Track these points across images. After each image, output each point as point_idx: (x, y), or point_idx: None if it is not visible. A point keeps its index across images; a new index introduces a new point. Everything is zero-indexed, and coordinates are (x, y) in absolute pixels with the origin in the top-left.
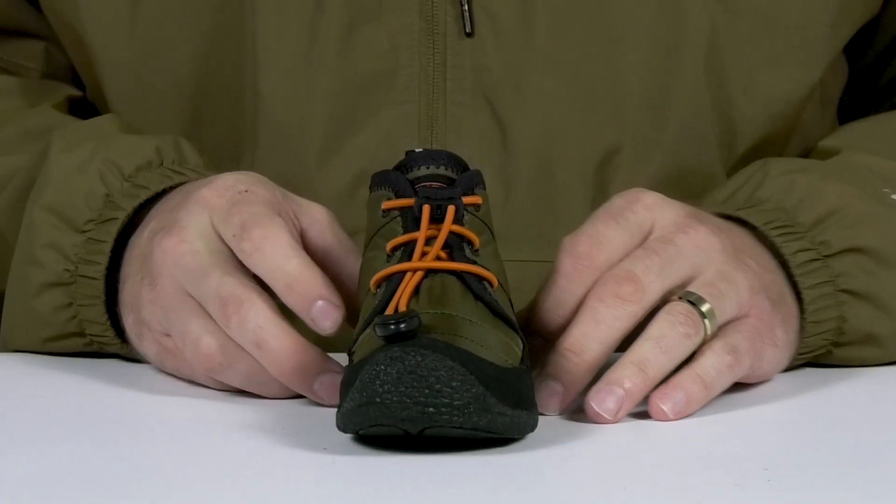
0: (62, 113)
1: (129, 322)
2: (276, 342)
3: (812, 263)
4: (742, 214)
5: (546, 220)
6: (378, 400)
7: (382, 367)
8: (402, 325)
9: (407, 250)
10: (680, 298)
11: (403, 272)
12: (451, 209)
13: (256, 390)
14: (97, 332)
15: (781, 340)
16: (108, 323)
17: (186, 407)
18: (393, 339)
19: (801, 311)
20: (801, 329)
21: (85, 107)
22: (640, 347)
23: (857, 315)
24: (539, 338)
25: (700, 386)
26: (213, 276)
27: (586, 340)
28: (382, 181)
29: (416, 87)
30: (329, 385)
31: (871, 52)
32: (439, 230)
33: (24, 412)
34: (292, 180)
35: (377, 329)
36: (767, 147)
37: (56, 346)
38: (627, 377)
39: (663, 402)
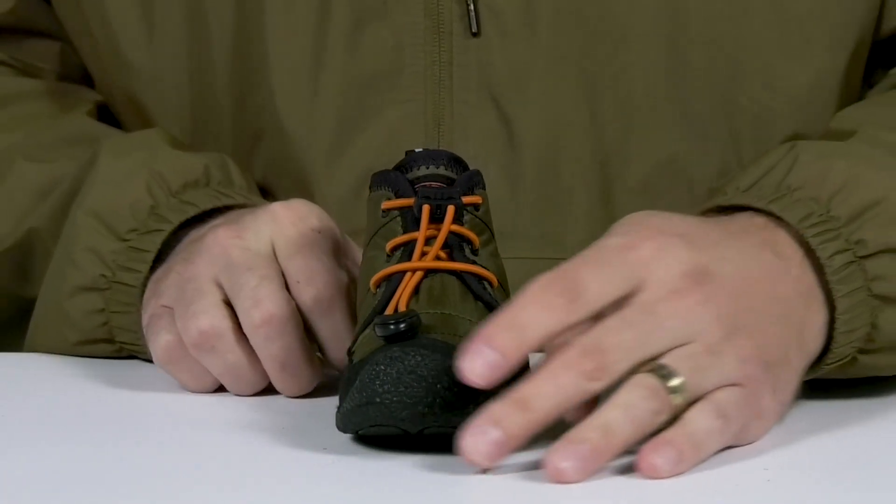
0: (94, 120)
1: (146, 293)
2: (303, 370)
3: (848, 267)
4: (774, 209)
5: (551, 218)
6: (378, 400)
7: (382, 367)
8: (402, 325)
9: (407, 250)
10: (651, 371)
11: (403, 272)
12: (450, 209)
13: (227, 383)
14: (127, 340)
15: (767, 410)
16: (141, 331)
17: (186, 407)
18: (393, 339)
19: (832, 319)
20: (831, 339)
21: (111, 113)
22: (608, 413)
23: (888, 321)
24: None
25: (692, 448)
26: (255, 275)
27: (542, 400)
28: (382, 181)
29: (421, 85)
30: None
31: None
32: (439, 230)
33: (24, 412)
34: (299, 179)
35: (377, 329)
36: (805, 139)
37: (84, 350)
38: (592, 439)
39: (656, 457)
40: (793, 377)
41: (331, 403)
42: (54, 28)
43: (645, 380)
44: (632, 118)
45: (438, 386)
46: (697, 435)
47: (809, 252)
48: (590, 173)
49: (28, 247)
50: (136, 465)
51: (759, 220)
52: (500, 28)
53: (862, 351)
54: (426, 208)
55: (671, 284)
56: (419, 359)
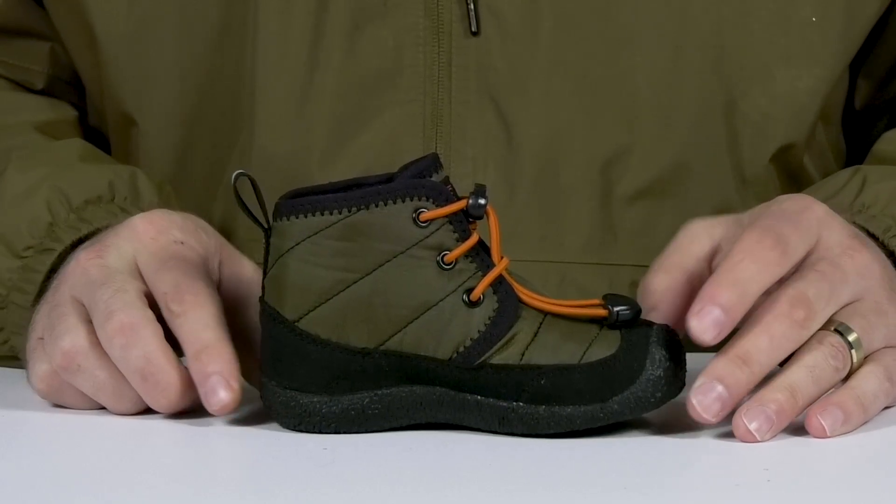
0: (37, 134)
1: (29, 328)
2: (164, 377)
3: None
4: (859, 220)
5: (550, 221)
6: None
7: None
8: (637, 309)
9: (482, 254)
10: (833, 329)
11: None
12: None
13: (102, 401)
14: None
15: None
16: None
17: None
18: (629, 323)
19: None
20: None
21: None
22: (795, 373)
23: None
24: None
25: (860, 408)
26: (110, 288)
27: (759, 354)
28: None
29: (420, 86)
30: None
31: (881, 60)
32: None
33: (24, 412)
34: (296, 179)
35: (621, 309)
36: (796, 147)
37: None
38: (779, 400)
39: (824, 418)
40: None
41: None
42: (44, 29)
43: (830, 338)
44: (633, 121)
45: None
46: (866, 397)
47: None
48: (590, 175)
49: None
50: (136, 465)
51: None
52: (501, 29)
53: None
54: (491, 210)
55: (845, 243)
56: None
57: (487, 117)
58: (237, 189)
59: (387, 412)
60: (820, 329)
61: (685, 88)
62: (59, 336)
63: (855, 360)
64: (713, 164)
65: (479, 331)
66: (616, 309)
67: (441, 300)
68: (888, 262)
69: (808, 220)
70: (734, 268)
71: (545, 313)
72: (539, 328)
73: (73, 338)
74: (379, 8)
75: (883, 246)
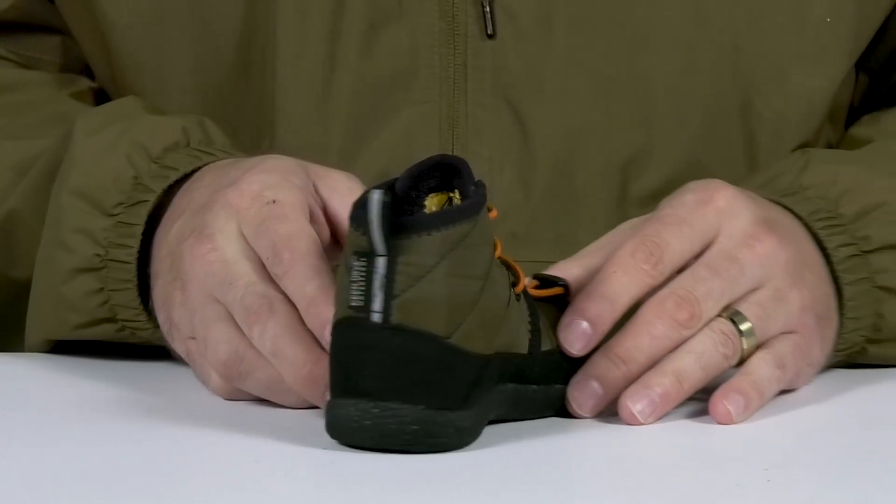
0: (77, 101)
1: (161, 318)
2: (290, 351)
3: (853, 259)
4: (787, 202)
5: (566, 221)
6: None
7: None
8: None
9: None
10: (727, 317)
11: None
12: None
13: (276, 399)
14: (129, 317)
15: (816, 359)
16: (142, 307)
17: (186, 406)
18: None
19: (840, 305)
20: (840, 325)
21: (107, 98)
22: (683, 359)
23: (893, 312)
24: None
25: (758, 394)
26: (240, 285)
27: (638, 353)
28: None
29: (436, 87)
30: None
31: (881, 55)
32: None
33: (24, 412)
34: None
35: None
36: (809, 146)
37: (87, 334)
38: (665, 384)
39: (729, 403)
40: (832, 335)
41: None
42: (55, 21)
43: (722, 325)
44: (649, 122)
45: None
46: (761, 382)
47: (819, 246)
48: (605, 177)
49: (10, 229)
50: (136, 465)
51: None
52: (516, 30)
53: (870, 341)
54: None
55: (748, 230)
56: None
57: (503, 118)
58: (375, 206)
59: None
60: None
61: (700, 88)
62: (214, 348)
63: (746, 347)
64: (728, 164)
65: (528, 321)
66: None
67: (509, 297)
68: (805, 246)
69: (704, 215)
70: (605, 280)
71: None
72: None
73: (227, 347)
74: (394, 9)
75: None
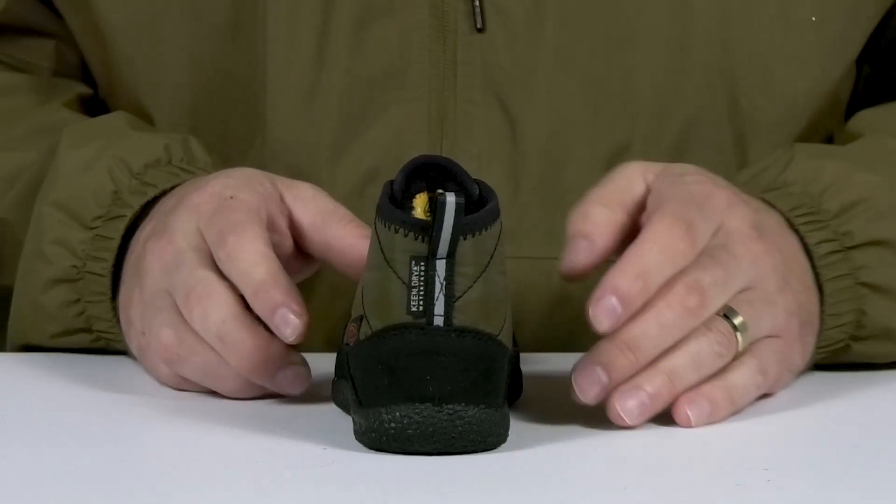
0: (73, 111)
1: (122, 321)
2: (238, 336)
3: (834, 255)
4: (769, 198)
5: (555, 217)
6: None
7: None
8: None
9: None
10: (723, 315)
11: None
12: None
13: (213, 385)
14: (104, 329)
15: (796, 365)
16: (115, 319)
17: (186, 407)
18: None
19: (822, 302)
20: (821, 321)
21: (96, 105)
22: (677, 358)
23: (876, 308)
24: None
25: (728, 401)
26: (185, 269)
27: (646, 341)
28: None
29: (426, 84)
30: (292, 377)
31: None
32: None
33: (24, 412)
34: (303, 176)
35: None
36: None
37: (63, 342)
38: (657, 384)
39: (690, 408)
40: (813, 341)
41: (329, 400)
42: (49, 26)
43: (718, 324)
44: (634, 118)
45: None
46: (736, 389)
47: (805, 248)
48: (594, 172)
49: None
50: (136, 465)
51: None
52: (506, 26)
53: (854, 338)
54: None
55: (744, 231)
56: None
57: (492, 115)
58: (437, 208)
59: None
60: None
61: (687, 86)
62: (156, 332)
63: (741, 345)
64: (716, 162)
65: None
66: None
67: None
68: (790, 251)
69: (712, 206)
70: (641, 256)
71: None
72: None
73: (167, 330)
74: (385, 5)
75: (790, 224)
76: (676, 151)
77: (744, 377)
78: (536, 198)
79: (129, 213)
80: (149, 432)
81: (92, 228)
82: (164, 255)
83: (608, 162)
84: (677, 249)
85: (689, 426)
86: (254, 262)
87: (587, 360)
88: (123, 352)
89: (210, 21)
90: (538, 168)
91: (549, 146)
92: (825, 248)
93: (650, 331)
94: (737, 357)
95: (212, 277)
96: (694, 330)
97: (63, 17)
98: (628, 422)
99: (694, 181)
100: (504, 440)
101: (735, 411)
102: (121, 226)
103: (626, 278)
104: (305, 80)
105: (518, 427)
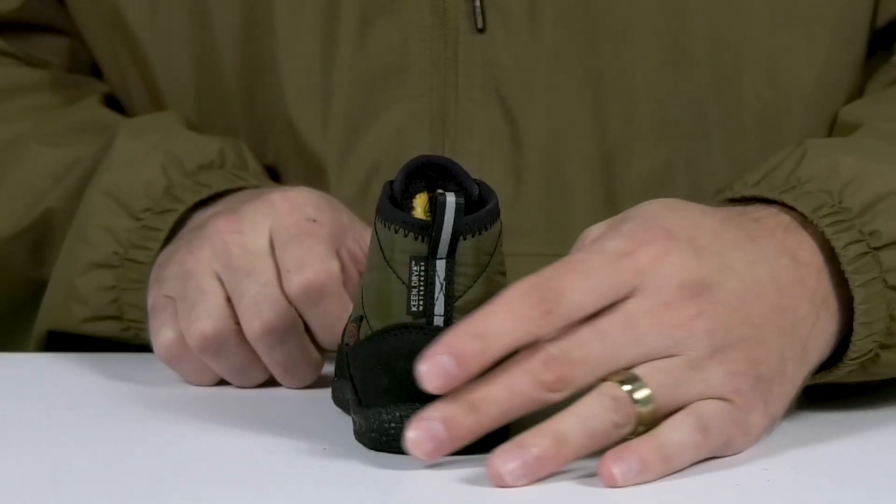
0: (105, 108)
1: (151, 277)
2: (302, 373)
3: (863, 258)
4: (787, 198)
5: (556, 215)
6: None
7: None
8: None
9: None
10: (619, 380)
11: None
12: None
13: (233, 381)
14: (135, 317)
15: (754, 425)
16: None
17: (185, 406)
18: None
19: (851, 309)
20: (852, 331)
21: (114, 105)
22: (566, 421)
23: None
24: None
25: (660, 459)
26: (256, 281)
27: (492, 406)
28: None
29: (427, 82)
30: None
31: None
32: None
33: (24, 412)
34: (310, 176)
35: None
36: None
37: (91, 328)
38: (542, 446)
39: (615, 465)
40: (788, 390)
41: (329, 400)
42: (63, 24)
43: (610, 389)
44: (635, 115)
45: None
46: (669, 446)
47: (825, 249)
48: (594, 170)
49: (44, 228)
50: (136, 465)
51: (785, 218)
52: (506, 25)
53: (883, 346)
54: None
55: (664, 296)
56: None
57: (493, 113)
58: (437, 208)
59: None
60: (606, 379)
61: (687, 81)
62: (199, 317)
63: (642, 418)
64: (718, 157)
65: None
66: None
67: None
68: (766, 296)
69: (618, 271)
70: (484, 318)
71: None
72: None
73: (215, 323)
74: (387, 4)
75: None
76: (676, 148)
77: (679, 435)
78: (538, 195)
79: (182, 209)
80: (148, 432)
81: (139, 219)
82: (229, 242)
83: (607, 159)
84: (526, 316)
85: (615, 485)
86: (338, 316)
87: (428, 410)
88: (144, 346)
89: (218, 22)
90: (539, 165)
91: (549, 144)
92: (853, 250)
93: (497, 395)
94: (651, 424)
95: (284, 307)
96: (587, 393)
97: (72, 12)
98: (510, 483)
99: (621, 237)
100: (504, 440)
101: (669, 471)
102: (170, 219)
103: (462, 337)
104: (315, 80)
105: (518, 427)
